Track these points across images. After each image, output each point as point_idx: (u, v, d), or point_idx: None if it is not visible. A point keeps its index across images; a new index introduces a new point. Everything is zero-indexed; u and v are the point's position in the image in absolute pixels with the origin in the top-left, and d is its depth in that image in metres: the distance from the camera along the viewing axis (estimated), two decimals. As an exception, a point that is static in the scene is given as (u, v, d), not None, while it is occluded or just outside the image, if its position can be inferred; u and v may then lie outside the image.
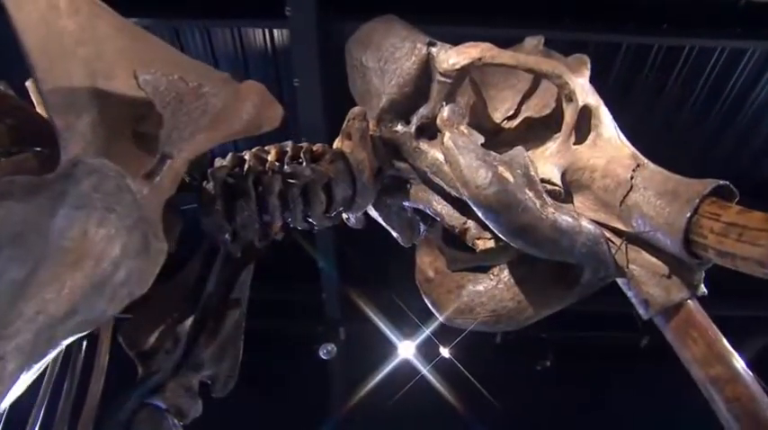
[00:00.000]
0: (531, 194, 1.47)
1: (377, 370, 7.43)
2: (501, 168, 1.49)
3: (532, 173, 1.53)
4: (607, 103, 1.82)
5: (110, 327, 1.78)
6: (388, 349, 7.35)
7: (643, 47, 5.14)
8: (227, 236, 1.72)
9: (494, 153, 1.55)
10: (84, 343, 1.77)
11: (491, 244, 1.73)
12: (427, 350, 7.30)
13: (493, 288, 1.68)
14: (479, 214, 1.52)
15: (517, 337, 8.13)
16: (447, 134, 1.59)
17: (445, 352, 6.72)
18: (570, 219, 1.49)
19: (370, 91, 1.86)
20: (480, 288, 1.70)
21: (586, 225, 1.52)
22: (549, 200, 1.50)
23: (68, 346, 1.82)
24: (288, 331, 7.91)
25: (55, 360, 1.79)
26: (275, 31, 5.18)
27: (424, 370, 6.95)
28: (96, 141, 1.25)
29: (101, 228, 1.03)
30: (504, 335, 8.21)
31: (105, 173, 1.08)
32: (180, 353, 1.74)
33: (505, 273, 1.69)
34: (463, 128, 1.63)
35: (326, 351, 6.55)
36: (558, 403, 7.40)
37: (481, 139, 1.61)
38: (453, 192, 1.74)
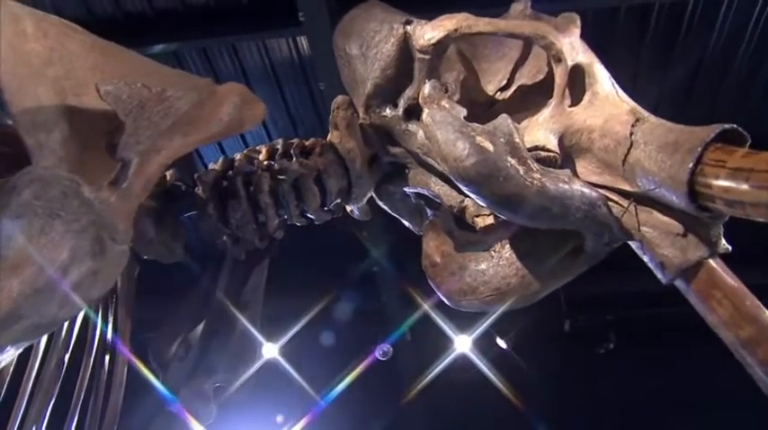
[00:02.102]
0: (513, 162, 1.40)
1: (445, 367, 7.35)
2: (479, 138, 1.42)
3: (516, 139, 1.45)
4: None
5: (127, 340, 1.82)
6: (453, 345, 7.26)
7: (677, 4, 4.86)
8: (225, 239, 1.73)
9: (475, 124, 1.49)
10: (107, 357, 1.81)
11: (490, 220, 1.66)
12: (489, 344, 7.18)
13: (495, 265, 1.61)
14: (463, 188, 1.46)
15: (586, 323, 7.88)
16: (425, 110, 1.54)
17: (502, 343, 6.58)
18: (560, 184, 1.41)
19: (356, 79, 1.83)
20: (483, 266, 1.63)
21: (579, 188, 1.43)
22: (535, 166, 1.42)
23: (94, 364, 1.89)
24: (353, 337, 7.94)
25: (83, 377, 1.84)
26: (298, 38, 5.24)
27: (484, 365, 6.83)
28: (68, 156, 1.28)
29: (44, 234, 1.05)
30: (573, 322, 7.96)
31: (48, 180, 1.10)
32: (192, 360, 1.76)
33: (507, 249, 1.61)
34: (444, 102, 1.57)
35: (383, 352, 6.54)
36: (629, 388, 7.09)
37: (464, 113, 1.54)
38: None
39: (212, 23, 4.89)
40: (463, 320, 6.89)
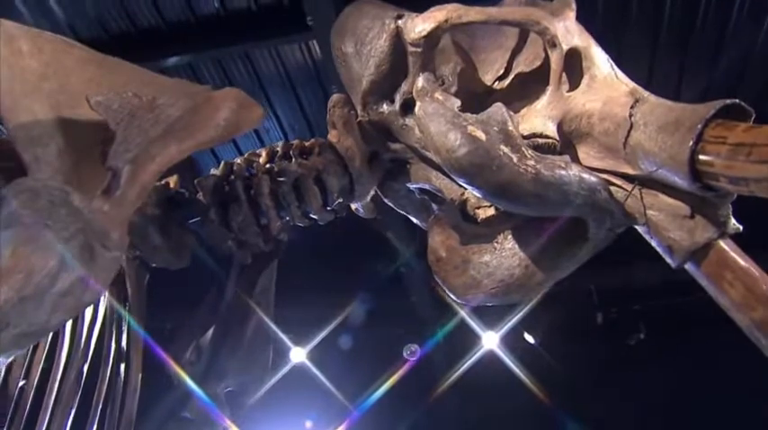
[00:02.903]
0: (506, 150, 1.37)
1: (474, 363, 7.28)
2: (471, 128, 1.40)
3: (510, 127, 1.42)
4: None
5: (140, 347, 1.84)
6: (481, 342, 7.19)
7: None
8: (229, 243, 1.75)
9: (468, 114, 1.47)
10: (123, 366, 1.84)
11: (491, 211, 1.64)
12: (518, 339, 7.10)
13: (498, 257, 1.58)
14: (458, 180, 1.44)
15: (618, 314, 7.73)
16: (418, 104, 1.53)
17: (530, 339, 6.49)
18: (557, 170, 1.38)
19: (353, 77, 1.82)
20: (486, 259, 1.60)
21: (578, 173, 1.39)
22: (529, 153, 1.39)
23: (111, 372, 1.92)
24: (383, 338, 7.93)
25: (100, 386, 1.87)
26: (310, 43, 5.26)
27: (512, 361, 6.76)
28: (63, 168, 1.31)
29: (31, 243, 1.07)
30: (606, 315, 7.82)
31: (37, 191, 1.12)
32: (203, 365, 1.78)
33: (509, 239, 1.58)
34: (438, 94, 1.55)
35: (410, 352, 6.53)
36: (661, 379, 6.91)
37: (458, 104, 1.53)
38: None
39: (224, 33, 4.95)
40: (492, 317, 6.83)
